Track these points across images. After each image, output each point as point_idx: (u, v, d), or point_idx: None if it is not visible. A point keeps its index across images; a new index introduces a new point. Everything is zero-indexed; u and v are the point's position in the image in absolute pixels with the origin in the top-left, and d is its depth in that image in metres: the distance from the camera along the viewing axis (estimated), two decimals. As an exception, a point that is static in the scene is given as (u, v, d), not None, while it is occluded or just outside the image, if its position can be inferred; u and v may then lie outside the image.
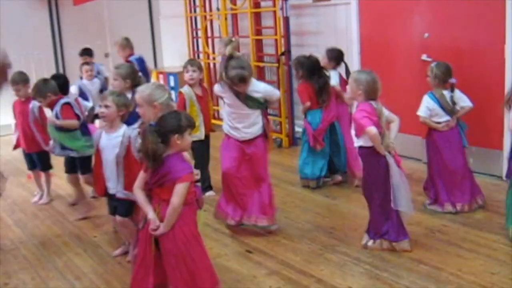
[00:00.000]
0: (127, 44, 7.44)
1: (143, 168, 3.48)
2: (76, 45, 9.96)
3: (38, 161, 6.05)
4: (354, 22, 7.19)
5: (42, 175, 6.21)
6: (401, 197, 4.29)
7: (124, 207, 4.37)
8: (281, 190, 6.02)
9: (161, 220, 3.37)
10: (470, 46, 5.98)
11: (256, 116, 4.81)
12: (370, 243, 4.51)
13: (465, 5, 5.95)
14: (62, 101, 5.38)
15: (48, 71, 9.84)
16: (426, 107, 5.13)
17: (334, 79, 6.08)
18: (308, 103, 5.89)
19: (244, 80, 4.59)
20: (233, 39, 5.84)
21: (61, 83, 5.62)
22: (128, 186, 4.25)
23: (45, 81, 5.50)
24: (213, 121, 6.64)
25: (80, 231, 5.31)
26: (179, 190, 3.32)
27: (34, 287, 4.30)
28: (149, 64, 11.02)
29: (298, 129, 7.52)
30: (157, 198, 3.41)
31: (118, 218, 4.43)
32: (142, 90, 3.99)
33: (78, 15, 9.87)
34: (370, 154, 4.29)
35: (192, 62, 5.96)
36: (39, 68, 9.74)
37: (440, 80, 5.12)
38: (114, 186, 4.33)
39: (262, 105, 4.81)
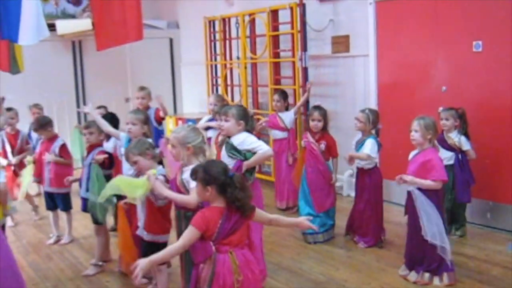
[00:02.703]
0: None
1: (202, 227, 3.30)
2: (98, 89, 10.19)
3: (61, 201, 6.14)
4: (372, 74, 7.25)
5: (60, 217, 6.29)
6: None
7: (151, 252, 4.38)
8: (295, 240, 5.99)
9: (238, 268, 3.28)
10: (488, 100, 5.99)
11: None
12: (412, 275, 4.84)
13: (483, 59, 5.98)
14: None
15: (69, 115, 10.08)
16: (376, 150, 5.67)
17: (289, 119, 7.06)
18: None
19: (225, 112, 4.60)
20: None
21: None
22: (149, 227, 4.39)
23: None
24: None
25: (93, 276, 5.29)
26: (261, 212, 3.53)
27: (44, 331, 4.30)
28: (169, 110, 11.20)
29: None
30: (226, 248, 3.30)
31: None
32: (178, 132, 4.04)
33: (101, 59, 10.06)
34: (435, 193, 4.69)
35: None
36: (61, 111, 9.90)
37: (374, 125, 5.67)
38: (141, 225, 4.46)
39: (240, 155, 4.53)
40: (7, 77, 8.40)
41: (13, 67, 8.35)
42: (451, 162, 5.58)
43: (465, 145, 5.67)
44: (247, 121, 4.66)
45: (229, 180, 3.29)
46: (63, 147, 6.15)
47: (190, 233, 3.29)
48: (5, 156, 6.86)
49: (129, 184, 4.21)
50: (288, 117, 7.11)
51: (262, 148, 4.54)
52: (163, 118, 6.91)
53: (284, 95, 7.23)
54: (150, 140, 4.86)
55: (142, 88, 7.20)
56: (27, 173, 6.30)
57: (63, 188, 6.06)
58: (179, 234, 4.05)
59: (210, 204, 3.37)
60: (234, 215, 3.30)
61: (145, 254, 4.44)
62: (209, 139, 5.63)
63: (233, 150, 4.53)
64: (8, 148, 6.98)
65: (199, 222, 3.28)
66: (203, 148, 4.02)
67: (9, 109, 7.20)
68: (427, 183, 4.61)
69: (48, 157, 6.04)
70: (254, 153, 4.52)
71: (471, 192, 5.76)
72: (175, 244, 3.38)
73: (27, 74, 8.86)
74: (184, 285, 4.10)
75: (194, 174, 3.40)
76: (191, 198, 3.79)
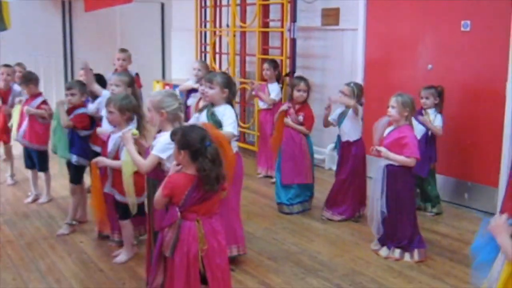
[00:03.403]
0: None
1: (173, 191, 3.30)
2: (87, 50, 10.09)
3: (37, 160, 6.10)
4: (360, 48, 7.23)
5: (39, 176, 6.31)
6: None
7: (121, 210, 4.55)
8: (272, 210, 6.02)
9: (203, 236, 3.29)
10: (472, 81, 5.99)
11: None
12: (384, 250, 4.86)
13: (471, 39, 5.96)
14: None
15: (56, 75, 10.00)
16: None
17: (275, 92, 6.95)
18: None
19: (210, 80, 4.57)
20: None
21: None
22: (115, 184, 4.48)
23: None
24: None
25: (68, 235, 5.30)
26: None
27: (14, 287, 4.30)
28: (157, 75, 11.15)
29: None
30: (193, 216, 3.30)
31: (120, 221, 4.66)
32: (154, 96, 3.98)
33: (91, 21, 9.96)
34: (408, 171, 4.73)
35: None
36: (48, 71, 9.83)
37: (358, 98, 5.58)
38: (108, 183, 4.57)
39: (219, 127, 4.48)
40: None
41: (0, 23, 8.26)
42: (418, 136, 5.56)
43: (437, 122, 5.67)
44: (231, 89, 4.65)
45: (203, 150, 3.26)
46: (44, 103, 6.09)
47: (158, 196, 3.33)
48: None
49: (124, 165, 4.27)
50: (275, 89, 7.10)
51: (229, 129, 4.44)
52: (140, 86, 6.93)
53: (274, 64, 7.22)
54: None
55: (123, 50, 7.13)
56: (16, 112, 6.29)
57: (37, 145, 6.02)
58: (148, 200, 4.07)
59: (184, 170, 3.36)
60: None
61: (120, 214, 4.53)
62: (189, 107, 5.59)
63: (216, 124, 4.48)
64: None
65: (167, 192, 3.29)
66: (179, 115, 3.97)
67: (7, 65, 7.02)
68: (400, 158, 4.63)
69: (27, 109, 5.99)
70: None
71: (431, 168, 5.79)
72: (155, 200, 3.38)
73: (15, 32, 8.78)
74: (149, 250, 4.08)
75: (173, 135, 3.38)
76: (143, 162, 3.83)
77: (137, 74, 6.95)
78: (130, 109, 4.47)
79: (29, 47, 9.63)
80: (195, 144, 3.26)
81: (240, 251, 4.68)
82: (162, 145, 3.71)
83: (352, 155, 5.68)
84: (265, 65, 7.21)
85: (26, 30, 9.59)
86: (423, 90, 5.73)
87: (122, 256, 4.71)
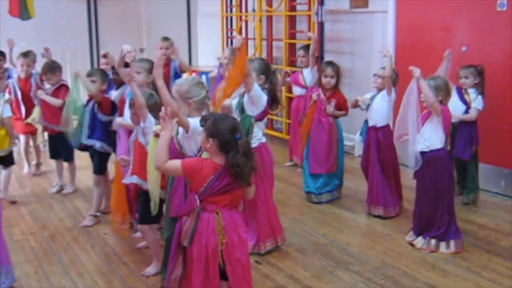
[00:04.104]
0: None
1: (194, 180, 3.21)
2: (112, 38, 9.99)
3: (62, 149, 6.02)
4: (390, 31, 6.97)
5: (65, 166, 6.26)
6: None
7: (141, 211, 4.22)
8: (301, 200, 5.84)
9: (223, 229, 3.16)
10: (509, 63, 5.70)
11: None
12: (419, 241, 4.66)
13: (508, 18, 5.67)
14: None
15: (82, 63, 9.93)
16: None
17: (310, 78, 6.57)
18: None
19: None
20: None
21: None
22: (136, 171, 4.21)
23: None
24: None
25: (92, 226, 5.21)
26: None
27: (36, 281, 4.22)
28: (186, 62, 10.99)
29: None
30: (212, 207, 3.19)
31: (138, 225, 4.42)
32: (181, 84, 3.79)
33: (116, 8, 9.85)
34: (448, 157, 4.58)
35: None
36: (74, 59, 9.75)
37: (394, 84, 5.33)
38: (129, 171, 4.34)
39: (241, 112, 4.41)
40: (18, 23, 8.28)
41: (24, 12, 8.21)
42: (460, 113, 5.32)
43: (477, 103, 5.37)
44: (268, 76, 4.47)
45: (234, 142, 3.13)
46: (63, 86, 6.03)
47: (174, 165, 3.21)
48: (18, 104, 6.65)
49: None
50: (310, 74, 6.74)
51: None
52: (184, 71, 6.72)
53: (309, 50, 6.80)
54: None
55: (166, 39, 6.61)
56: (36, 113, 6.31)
57: (56, 125, 5.91)
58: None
59: (211, 157, 3.22)
60: (229, 177, 3.15)
61: (142, 203, 4.24)
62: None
63: (241, 112, 4.37)
64: (19, 96, 6.72)
65: (186, 165, 3.19)
66: (206, 103, 3.81)
67: (25, 54, 6.86)
68: (429, 92, 4.40)
69: (40, 92, 6.02)
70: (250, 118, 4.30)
71: (472, 151, 5.52)
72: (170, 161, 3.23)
73: (40, 20, 8.71)
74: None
75: (203, 121, 3.24)
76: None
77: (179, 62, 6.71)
78: (155, 109, 4.14)
79: (54, 35, 9.54)
80: (225, 135, 3.13)
81: (278, 242, 4.60)
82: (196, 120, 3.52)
83: (377, 142, 5.33)
84: (300, 52, 6.86)
85: (51, 18, 9.51)
86: (462, 69, 5.47)
87: (151, 268, 4.30)
